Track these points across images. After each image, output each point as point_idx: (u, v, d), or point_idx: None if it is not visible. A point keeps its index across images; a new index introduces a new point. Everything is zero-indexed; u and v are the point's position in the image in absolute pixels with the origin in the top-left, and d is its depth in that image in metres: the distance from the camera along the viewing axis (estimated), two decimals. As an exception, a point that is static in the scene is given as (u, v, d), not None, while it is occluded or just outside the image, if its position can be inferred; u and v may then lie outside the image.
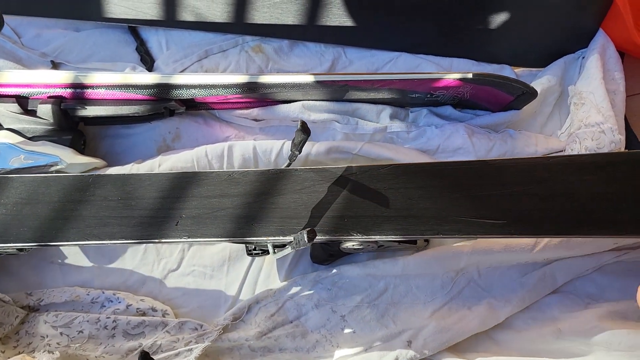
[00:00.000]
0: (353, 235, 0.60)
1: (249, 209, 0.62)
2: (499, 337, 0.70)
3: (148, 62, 0.83)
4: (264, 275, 0.74)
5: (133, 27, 0.85)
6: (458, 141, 0.75)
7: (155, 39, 0.85)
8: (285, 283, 0.72)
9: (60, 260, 0.72)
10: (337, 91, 0.74)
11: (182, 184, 0.63)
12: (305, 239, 0.53)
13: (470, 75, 0.70)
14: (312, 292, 0.71)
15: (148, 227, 0.61)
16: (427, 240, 0.74)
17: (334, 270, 0.72)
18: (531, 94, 0.73)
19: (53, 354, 0.60)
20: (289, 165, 0.65)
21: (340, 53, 0.86)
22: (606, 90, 0.78)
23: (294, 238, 0.56)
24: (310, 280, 0.72)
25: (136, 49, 0.84)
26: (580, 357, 0.66)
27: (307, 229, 0.54)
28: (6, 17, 0.82)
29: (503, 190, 0.60)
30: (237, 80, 0.70)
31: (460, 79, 0.71)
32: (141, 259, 0.73)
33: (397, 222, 0.60)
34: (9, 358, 0.60)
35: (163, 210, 0.62)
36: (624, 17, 0.79)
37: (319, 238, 0.60)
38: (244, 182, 0.63)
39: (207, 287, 0.73)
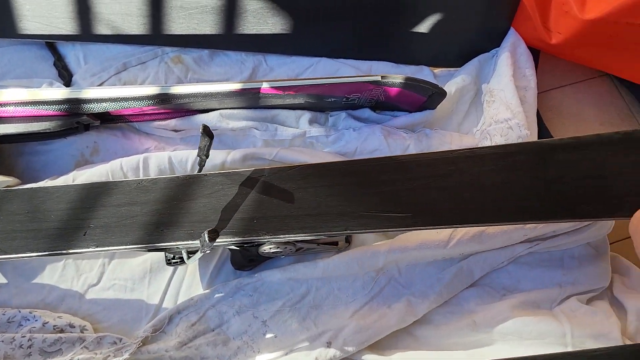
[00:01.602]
0: (262, 236, 0.60)
1: (158, 215, 0.62)
2: (418, 333, 0.71)
3: (66, 77, 0.82)
4: (186, 284, 0.74)
5: (50, 43, 0.85)
6: (375, 143, 0.77)
7: (72, 54, 0.84)
8: (207, 291, 0.72)
9: (-25, 281, 0.71)
10: (251, 99, 0.75)
11: (91, 194, 0.62)
12: (206, 239, 0.54)
13: (378, 78, 0.72)
14: (233, 299, 0.72)
15: (56, 239, 0.61)
16: (348, 242, 0.75)
17: (256, 276, 0.73)
18: (440, 93, 0.75)
19: None
20: (199, 171, 0.65)
21: (261, 60, 0.87)
22: (517, 87, 0.81)
23: (199, 240, 0.56)
24: (231, 287, 0.72)
25: (54, 64, 0.84)
26: (492, 347, 0.67)
27: (209, 229, 0.54)
28: None
29: (408, 184, 0.61)
30: (148, 92, 0.70)
31: (370, 82, 0.72)
32: (60, 275, 0.72)
33: (306, 221, 0.61)
34: None
35: (71, 222, 0.61)
36: (532, 16, 0.82)
37: (227, 240, 0.60)
38: (154, 189, 0.63)
39: (128, 300, 0.72)
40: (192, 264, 0.74)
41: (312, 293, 0.72)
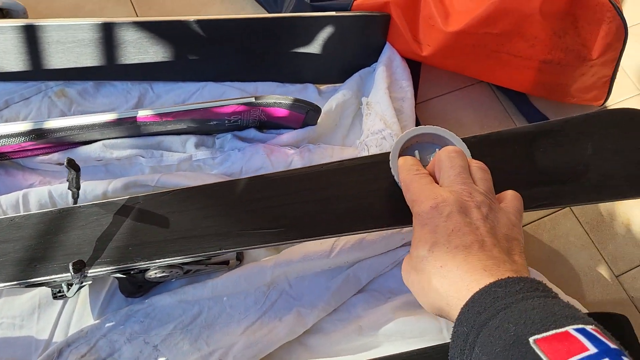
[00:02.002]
0: (137, 262, 0.61)
1: (32, 251, 0.62)
2: (309, 342, 0.73)
3: (-56, 118, 0.81)
4: (77, 317, 0.73)
5: None
6: (258, 161, 0.79)
7: (-48, 95, 0.84)
8: (97, 322, 0.72)
9: None
10: (131, 128, 0.76)
11: (-40, 236, 0.62)
12: (72, 270, 0.55)
13: (252, 99, 0.74)
14: (124, 326, 0.72)
15: None
16: (239, 260, 0.77)
17: (146, 302, 0.73)
18: (315, 110, 0.78)
19: None
20: (74, 203, 0.66)
21: (147, 89, 0.88)
22: (394, 98, 0.85)
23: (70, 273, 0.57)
24: (122, 315, 0.72)
25: None
26: (378, 349, 0.70)
27: (73, 261, 0.55)
28: None
29: (280, 200, 0.64)
30: (21, 128, 0.70)
31: (244, 104, 0.75)
32: (-58, 319, 0.70)
33: (181, 244, 0.62)
34: None
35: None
36: (403, 31, 0.86)
37: (102, 269, 0.61)
38: (27, 225, 0.63)
39: (17, 337, 0.71)
40: (83, 295, 0.74)
41: (204, 313, 0.74)
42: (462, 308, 0.39)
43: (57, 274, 0.61)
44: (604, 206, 0.92)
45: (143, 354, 0.71)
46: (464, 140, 0.59)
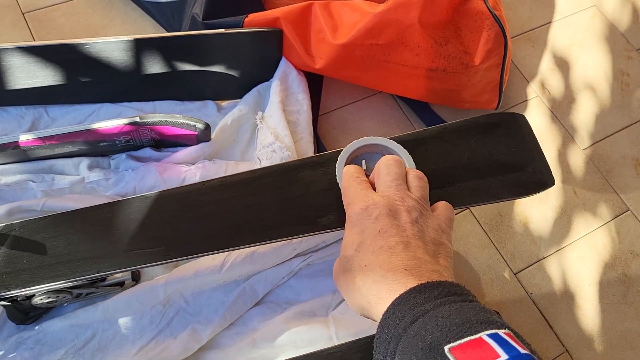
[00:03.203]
0: (12, 290, 0.61)
1: None
2: (205, 358, 0.74)
3: None
4: (-36, 348, 0.72)
5: None
6: (151, 180, 0.79)
7: None
8: (-17, 351, 0.71)
9: None
10: (17, 153, 0.75)
11: None
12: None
13: (137, 119, 0.75)
14: (15, 354, 0.71)
15: None
16: (136, 280, 0.77)
17: (37, 328, 0.73)
18: (204, 126, 0.79)
19: None
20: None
21: (42, 112, 0.87)
22: (290, 111, 0.87)
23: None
24: (11, 343, 0.71)
25: None
26: (272, 360, 0.71)
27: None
28: None
29: (160, 220, 0.64)
30: None
31: (129, 124, 0.75)
32: None
33: (57, 268, 0.62)
34: None
35: None
36: (295, 46, 0.88)
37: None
38: None
39: None
40: (-29, 326, 0.73)
41: (97, 336, 0.73)
42: (383, 315, 0.39)
43: None
44: (502, 207, 0.95)
45: (32, 382, 0.70)
46: None
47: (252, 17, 0.88)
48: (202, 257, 0.76)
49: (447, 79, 0.88)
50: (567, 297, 0.88)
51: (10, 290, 0.61)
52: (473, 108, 0.97)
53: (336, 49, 0.85)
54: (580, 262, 0.91)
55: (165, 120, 0.75)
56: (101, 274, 0.62)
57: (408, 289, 0.39)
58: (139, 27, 1.01)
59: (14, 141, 0.72)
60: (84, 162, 0.81)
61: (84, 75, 0.86)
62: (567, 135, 1.03)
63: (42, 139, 0.73)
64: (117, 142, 0.79)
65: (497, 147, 0.71)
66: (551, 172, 0.71)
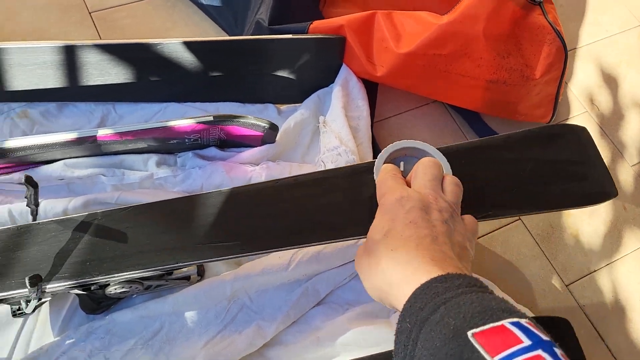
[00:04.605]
0: (95, 277, 0.63)
1: (-12, 267, 0.63)
2: (269, 354, 0.75)
3: None
4: (37, 334, 0.74)
5: None
6: (218, 179, 0.81)
7: None
8: (57, 339, 0.73)
9: None
10: (92, 147, 0.78)
11: None
12: (28, 284, 0.56)
13: (210, 118, 0.77)
14: (85, 343, 0.73)
15: None
16: (201, 275, 0.78)
17: (107, 318, 0.74)
18: (272, 128, 0.81)
19: None
20: (33, 220, 0.67)
21: (110, 109, 0.90)
22: (350, 117, 0.89)
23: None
24: (83, 332, 0.73)
25: None
26: (337, 359, 0.72)
27: (29, 276, 0.56)
28: None
29: (234, 215, 0.66)
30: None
31: (203, 122, 0.77)
32: None
33: (137, 258, 0.64)
34: None
35: None
36: (358, 53, 0.90)
37: (60, 284, 0.62)
38: (-22, 242, 0.64)
39: (-25, 357, 0.72)
40: (43, 312, 0.75)
41: (165, 328, 0.75)
42: (404, 304, 0.40)
43: (14, 290, 0.62)
44: (553, 218, 0.96)
45: (102, 370, 0.71)
46: None
47: (317, 24, 0.90)
48: (269, 255, 0.78)
49: (506, 90, 0.89)
50: (619, 311, 0.89)
51: (92, 277, 0.63)
52: (527, 120, 0.98)
53: (399, 57, 0.87)
54: (631, 276, 0.92)
55: (238, 121, 0.77)
56: (180, 264, 0.64)
57: (430, 278, 0.40)
58: (201, 30, 1.03)
59: (92, 135, 0.74)
60: (153, 158, 0.83)
61: (153, 75, 0.88)
62: (616, 151, 1.04)
63: (120, 134, 0.75)
64: (186, 140, 0.82)
65: (560, 157, 0.72)
66: (613, 183, 0.72)
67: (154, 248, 0.64)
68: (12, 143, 0.72)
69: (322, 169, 0.83)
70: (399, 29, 0.89)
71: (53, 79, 0.84)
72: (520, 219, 0.95)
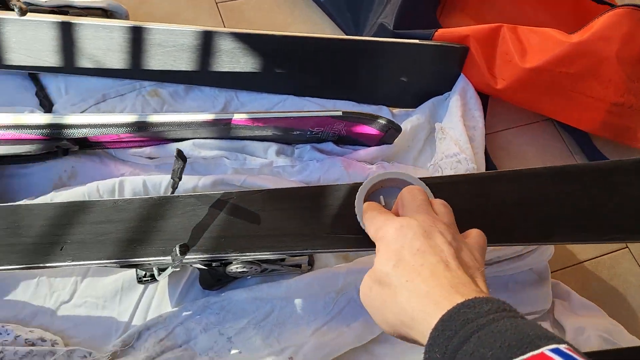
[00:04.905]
0: (229, 253, 0.65)
1: (132, 233, 0.66)
2: (375, 351, 0.76)
3: (47, 106, 0.87)
4: (156, 302, 0.77)
5: (33, 74, 0.90)
6: (336, 173, 0.83)
7: (54, 84, 0.90)
8: (175, 309, 0.76)
9: (-50, 297, 0.73)
10: (222, 130, 0.81)
11: (68, 212, 0.66)
12: (177, 253, 0.58)
13: (339, 113, 0.79)
14: (201, 316, 0.75)
15: (32, 253, 0.64)
16: (310, 265, 0.80)
17: (222, 295, 0.77)
18: (396, 129, 0.82)
19: None
20: (172, 193, 0.70)
21: (233, 96, 0.93)
22: (466, 126, 0.89)
23: (171, 255, 0.61)
24: (199, 305, 0.76)
25: (35, 94, 0.89)
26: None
27: (180, 244, 0.59)
28: None
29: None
30: (126, 119, 0.76)
31: (332, 117, 0.79)
32: (33, 292, 0.75)
33: (269, 240, 0.66)
34: None
35: (49, 237, 0.65)
36: (479, 64, 0.91)
37: (197, 256, 0.64)
38: (128, 209, 0.67)
39: (99, 317, 0.75)
40: (162, 283, 0.78)
41: (276, 311, 0.77)
42: (431, 332, 0.38)
43: (154, 257, 0.65)
44: (661, 249, 0.94)
45: (217, 344, 0.74)
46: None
47: (442, 32, 0.91)
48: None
49: (629, 115, 0.88)
50: None
51: (227, 253, 0.65)
52: (641, 148, 0.96)
53: (523, 72, 0.87)
54: None
55: (366, 118, 0.79)
56: (308, 250, 0.66)
57: (456, 304, 0.38)
58: (318, 29, 1.06)
59: (228, 118, 0.77)
60: (273, 147, 0.86)
61: (277, 67, 0.91)
62: None
63: (253, 119, 0.78)
64: (308, 132, 0.84)
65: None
66: None
67: (283, 232, 0.66)
68: (155, 118, 0.76)
69: (439, 174, 0.83)
70: (524, 43, 0.89)
71: (186, 61, 0.88)
72: (627, 246, 0.93)
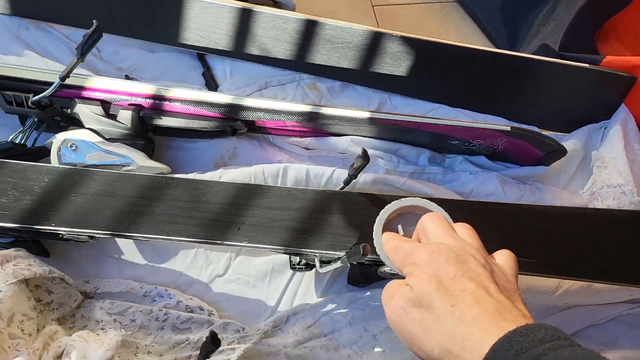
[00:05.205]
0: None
1: (305, 223, 0.67)
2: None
3: (213, 87, 0.91)
4: (303, 290, 0.79)
5: (201, 54, 0.94)
6: (490, 187, 0.82)
7: (220, 67, 0.93)
8: (321, 299, 0.77)
9: (116, 256, 0.77)
10: (383, 130, 0.82)
11: (245, 194, 0.69)
12: (361, 252, 0.59)
13: (508, 128, 0.78)
14: (346, 310, 0.76)
15: (212, 229, 0.66)
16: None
17: (368, 293, 0.78)
18: (561, 151, 0.81)
19: (120, 330, 0.64)
20: (342, 188, 0.71)
21: (386, 99, 0.94)
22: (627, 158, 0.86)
23: (347, 253, 0.62)
24: (345, 299, 0.77)
25: (202, 74, 0.93)
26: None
27: (363, 244, 0.60)
28: (90, 33, 0.92)
29: (535, 232, 0.67)
30: (300, 109, 0.78)
31: (498, 131, 0.78)
32: (191, 262, 0.78)
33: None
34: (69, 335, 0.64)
35: (227, 216, 0.67)
36: (646, 96, 0.88)
37: (371, 257, 0.65)
38: (302, 199, 0.69)
39: (249, 295, 0.78)
40: (309, 273, 0.80)
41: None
42: None
43: (324, 250, 0.66)
44: None
45: (362, 339, 0.75)
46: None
47: (610, 59, 0.89)
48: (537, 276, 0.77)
49: None
50: None
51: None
52: None
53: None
54: None
55: (532, 136, 0.78)
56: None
57: (507, 332, 0.36)
58: (470, 42, 1.04)
59: (395, 119, 0.78)
60: (425, 153, 0.86)
61: (434, 74, 0.91)
62: None
63: (420, 124, 0.78)
64: (465, 143, 0.84)
65: None
66: None
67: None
68: (327, 111, 0.78)
69: (598, 203, 0.81)
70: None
71: (350, 59, 0.90)
72: None
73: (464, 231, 0.49)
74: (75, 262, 0.76)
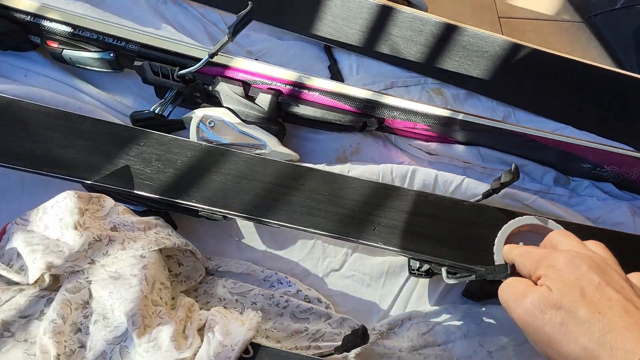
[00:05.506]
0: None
1: (440, 231, 0.66)
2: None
3: (338, 80, 0.90)
4: (416, 296, 0.77)
5: (328, 47, 0.94)
6: (620, 217, 0.80)
7: (347, 62, 0.93)
8: (435, 308, 0.76)
9: (237, 238, 0.77)
10: (512, 144, 0.80)
11: (382, 194, 0.68)
12: (509, 272, 0.57)
13: (654, 158, 0.75)
14: (461, 323, 0.75)
15: (347, 225, 0.66)
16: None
17: (484, 308, 0.76)
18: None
19: (257, 312, 0.64)
20: (480, 200, 0.70)
21: (510, 112, 0.92)
22: None
23: (486, 269, 0.60)
24: (460, 311, 0.75)
25: (329, 67, 0.92)
26: None
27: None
28: (226, 15, 0.93)
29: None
30: (439, 113, 0.77)
31: (640, 159, 0.76)
32: (308, 253, 0.77)
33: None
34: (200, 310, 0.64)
35: (363, 214, 0.67)
36: None
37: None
38: (440, 206, 0.68)
39: (363, 293, 0.77)
40: (424, 280, 0.78)
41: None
42: None
43: (461, 262, 0.65)
44: None
45: (477, 354, 0.73)
46: None
47: None
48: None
49: None
50: None
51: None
52: None
53: None
54: None
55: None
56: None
57: None
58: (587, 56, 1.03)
59: (530, 134, 0.76)
60: (551, 173, 0.84)
61: (562, 93, 0.89)
62: None
63: (557, 141, 0.76)
64: (596, 168, 0.81)
65: None
66: None
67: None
68: (467, 118, 0.77)
69: None
70: None
71: (480, 68, 0.88)
72: None
73: (598, 248, 0.48)
74: (200, 237, 0.76)
